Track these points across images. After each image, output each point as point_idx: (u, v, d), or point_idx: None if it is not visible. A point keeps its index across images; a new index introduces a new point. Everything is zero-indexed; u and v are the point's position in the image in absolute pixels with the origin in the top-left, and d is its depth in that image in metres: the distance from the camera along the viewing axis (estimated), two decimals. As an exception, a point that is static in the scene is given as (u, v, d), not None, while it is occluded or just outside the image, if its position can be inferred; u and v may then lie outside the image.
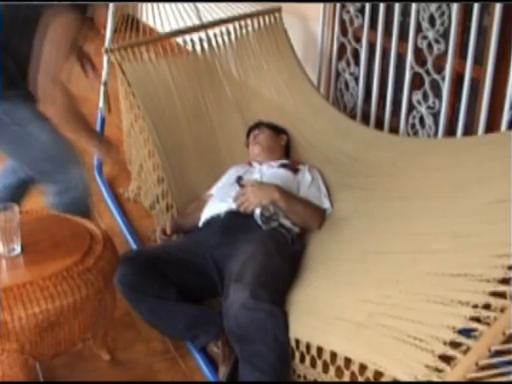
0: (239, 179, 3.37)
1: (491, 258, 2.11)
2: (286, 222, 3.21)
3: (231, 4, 4.49)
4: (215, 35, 4.34)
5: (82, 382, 2.74)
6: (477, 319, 1.96)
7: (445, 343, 2.01)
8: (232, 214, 3.20)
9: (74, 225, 2.67)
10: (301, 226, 3.28)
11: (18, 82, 2.95)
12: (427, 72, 3.81)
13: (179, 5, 4.43)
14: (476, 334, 1.90)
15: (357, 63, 4.53)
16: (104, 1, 3.87)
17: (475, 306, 2.00)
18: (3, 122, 2.99)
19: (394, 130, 4.11)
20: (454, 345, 1.98)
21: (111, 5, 4.22)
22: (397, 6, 3.96)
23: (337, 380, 2.41)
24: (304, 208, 3.29)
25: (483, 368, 1.87)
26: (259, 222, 3.12)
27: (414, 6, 3.78)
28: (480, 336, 1.89)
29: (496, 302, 1.95)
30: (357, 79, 4.52)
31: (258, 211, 3.13)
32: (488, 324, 1.90)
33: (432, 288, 2.26)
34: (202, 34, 4.32)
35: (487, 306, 1.97)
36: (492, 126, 3.45)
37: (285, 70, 4.41)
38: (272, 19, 4.54)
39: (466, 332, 1.96)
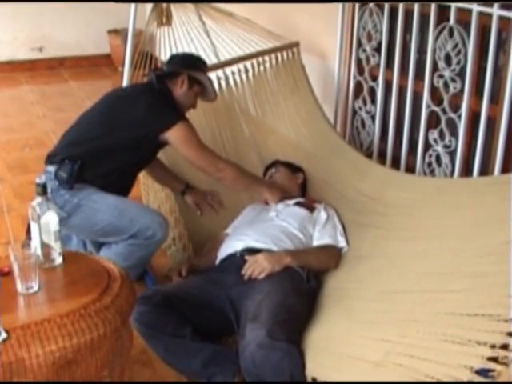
0: None
1: (509, 297, 2.11)
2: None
3: (248, 40, 4.52)
4: (233, 73, 4.37)
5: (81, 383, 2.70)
6: (494, 359, 1.95)
7: (462, 383, 2.00)
8: (248, 253, 3.20)
9: (92, 263, 2.67)
10: (318, 270, 3.27)
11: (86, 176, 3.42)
12: (443, 110, 3.82)
13: (196, 43, 4.46)
14: (494, 374, 1.90)
15: (373, 102, 4.56)
16: (112, 1, 3.91)
17: (493, 346, 1.99)
18: (72, 204, 3.37)
19: (411, 168, 4.13)
20: (472, 385, 1.97)
21: (129, 40, 4.25)
22: (413, 45, 3.98)
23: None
24: (317, 258, 3.28)
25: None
26: None
27: (430, 44, 3.80)
28: (498, 376, 1.88)
29: (514, 342, 1.94)
30: (373, 117, 4.54)
31: None
32: (506, 364, 1.90)
33: (449, 328, 2.24)
34: (220, 72, 4.34)
35: (505, 346, 1.96)
36: (508, 163, 3.45)
37: (302, 107, 4.44)
38: (290, 54, 4.58)
39: (484, 372, 1.95)
